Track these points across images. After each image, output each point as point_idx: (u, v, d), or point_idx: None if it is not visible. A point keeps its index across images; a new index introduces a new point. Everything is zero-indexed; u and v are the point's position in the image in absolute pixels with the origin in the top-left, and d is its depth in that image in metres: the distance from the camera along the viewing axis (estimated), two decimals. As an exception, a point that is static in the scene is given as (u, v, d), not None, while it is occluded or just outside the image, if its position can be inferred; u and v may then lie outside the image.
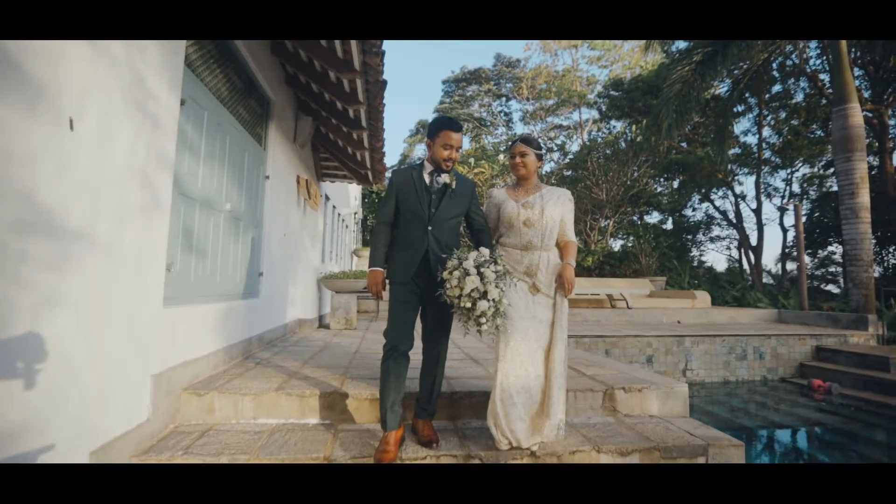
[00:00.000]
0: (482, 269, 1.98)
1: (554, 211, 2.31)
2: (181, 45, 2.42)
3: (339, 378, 2.95)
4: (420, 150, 30.52)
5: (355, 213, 13.87)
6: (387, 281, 2.26)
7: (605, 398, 2.86)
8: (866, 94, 13.44)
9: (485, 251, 2.07)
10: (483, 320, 2.00)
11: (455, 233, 2.33)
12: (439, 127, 2.21)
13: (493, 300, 1.98)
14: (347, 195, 11.35)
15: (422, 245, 2.20)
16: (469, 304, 1.98)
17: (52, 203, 1.52)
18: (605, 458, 2.29)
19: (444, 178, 2.23)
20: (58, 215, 1.54)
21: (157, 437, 2.23)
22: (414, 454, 2.16)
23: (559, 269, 2.27)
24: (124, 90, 1.91)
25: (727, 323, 8.74)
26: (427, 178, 2.23)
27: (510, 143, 2.56)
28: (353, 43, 3.15)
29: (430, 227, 2.21)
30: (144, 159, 2.09)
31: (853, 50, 12.26)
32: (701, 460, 2.41)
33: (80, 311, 1.67)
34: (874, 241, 17.77)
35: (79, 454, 1.71)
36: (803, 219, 18.85)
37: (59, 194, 1.54)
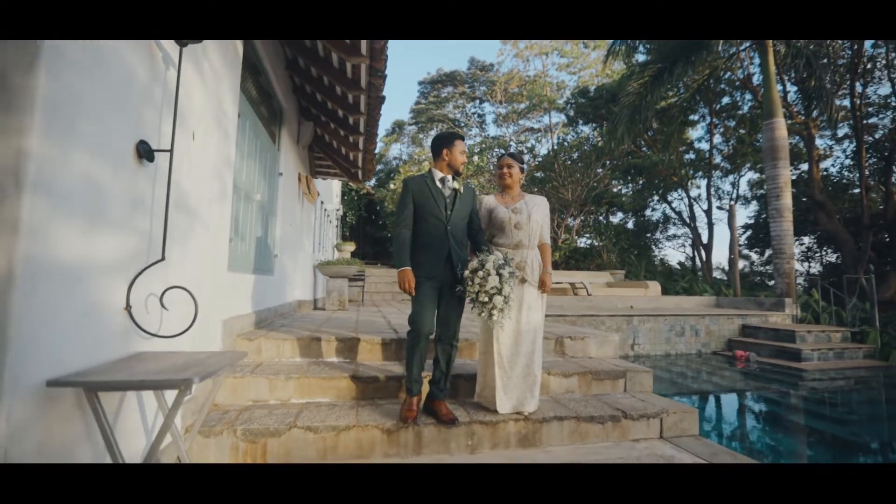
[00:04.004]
0: (501, 271, 2.34)
1: (538, 215, 2.66)
2: (238, 69, 3.17)
3: (352, 334, 3.75)
4: (395, 150, 31.25)
5: (337, 210, 14.50)
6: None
7: (556, 344, 3.79)
8: (800, 108, 15.09)
9: (500, 254, 2.42)
10: (494, 312, 2.35)
11: (465, 231, 2.63)
12: (452, 138, 2.59)
13: (506, 296, 2.34)
14: (332, 192, 12.01)
15: (444, 244, 2.48)
16: (486, 299, 2.34)
17: (188, 189, 2.29)
18: (552, 379, 3.20)
19: (454, 183, 2.54)
20: (188, 198, 2.31)
21: (224, 367, 2.98)
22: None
23: (540, 264, 2.68)
24: (214, 110, 2.67)
25: (673, 307, 9.96)
26: (439, 184, 2.55)
27: (497, 157, 3.32)
28: (363, 67, 3.94)
29: (448, 228, 2.49)
30: (220, 160, 2.84)
31: (786, 68, 13.81)
32: (621, 382, 3.36)
33: (193, 266, 2.44)
34: (814, 241, 19.79)
35: (191, 363, 2.46)
36: (751, 220, 20.81)
37: (189, 184, 2.31)
